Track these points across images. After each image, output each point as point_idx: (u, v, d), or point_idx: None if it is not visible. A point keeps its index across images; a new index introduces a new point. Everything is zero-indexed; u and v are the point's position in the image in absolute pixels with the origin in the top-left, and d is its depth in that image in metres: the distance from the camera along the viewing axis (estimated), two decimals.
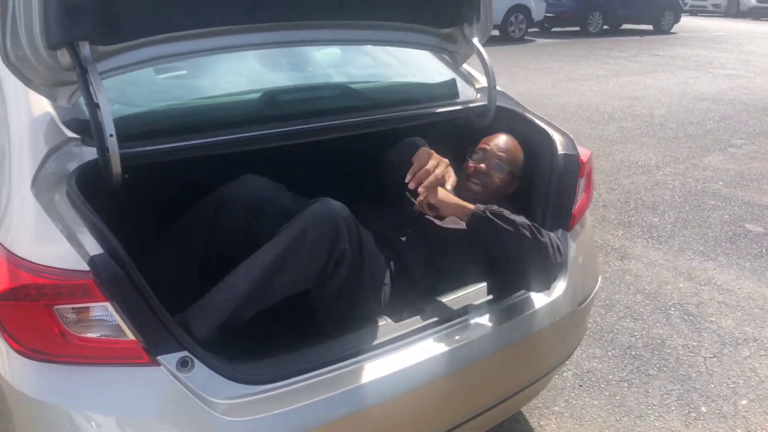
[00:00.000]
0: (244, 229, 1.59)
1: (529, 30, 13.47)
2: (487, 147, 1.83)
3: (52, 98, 1.40)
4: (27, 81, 1.35)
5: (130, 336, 1.14)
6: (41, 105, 1.42)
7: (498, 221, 1.49)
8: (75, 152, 1.34)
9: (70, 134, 1.37)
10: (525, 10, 13.04)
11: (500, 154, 1.82)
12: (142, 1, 1.38)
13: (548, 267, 1.54)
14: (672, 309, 2.92)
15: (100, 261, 1.10)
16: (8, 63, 1.30)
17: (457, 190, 1.69)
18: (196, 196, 1.61)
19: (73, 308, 1.12)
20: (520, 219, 1.53)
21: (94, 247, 1.13)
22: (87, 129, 1.36)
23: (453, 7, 1.83)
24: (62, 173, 1.28)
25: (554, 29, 14.88)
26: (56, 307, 1.10)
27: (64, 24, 1.26)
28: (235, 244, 1.56)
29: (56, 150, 1.32)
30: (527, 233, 1.50)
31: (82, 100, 1.39)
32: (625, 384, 2.39)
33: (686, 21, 17.66)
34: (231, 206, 1.59)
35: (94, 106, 1.27)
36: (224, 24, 1.51)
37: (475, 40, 1.89)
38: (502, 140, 1.85)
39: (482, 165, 1.80)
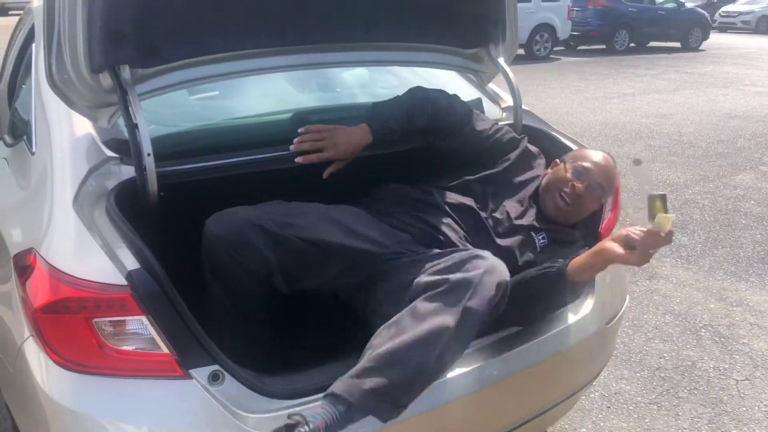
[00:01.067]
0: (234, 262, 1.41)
1: (555, 48, 13.48)
2: (591, 167, 1.67)
3: (94, 119, 1.46)
4: (70, 103, 1.41)
5: (164, 349, 1.17)
6: (82, 126, 1.48)
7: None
8: (114, 171, 1.40)
9: (110, 153, 1.42)
10: (550, 28, 13.06)
11: (601, 181, 1.66)
12: (177, 26, 1.44)
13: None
14: (702, 330, 2.87)
15: (136, 276, 1.14)
16: (53, 86, 1.36)
17: (540, 196, 1.71)
18: None
19: (110, 321, 1.16)
20: None
21: (131, 262, 1.17)
22: (125, 148, 1.42)
23: (479, 28, 1.86)
24: (102, 191, 1.33)
25: (580, 47, 14.85)
26: (95, 319, 1.14)
27: (107, 48, 1.32)
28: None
29: (96, 168, 1.37)
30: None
31: (121, 121, 1.45)
32: (655, 406, 2.35)
33: (715, 38, 17.48)
34: (211, 244, 1.41)
35: (132, 127, 1.32)
36: (255, 47, 1.57)
37: (501, 60, 1.91)
38: (605, 162, 1.70)
39: (580, 185, 1.64)
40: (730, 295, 3.20)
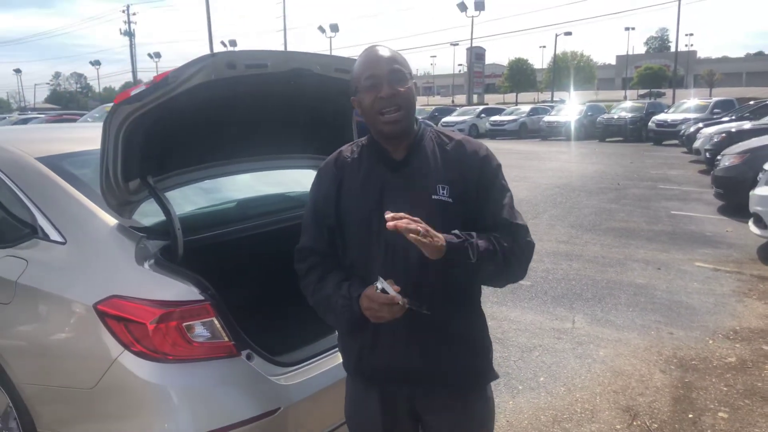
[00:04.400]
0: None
1: None
2: (370, 69, 1.51)
3: (121, 213, 2.13)
4: (108, 203, 2.08)
5: (226, 339, 1.91)
6: (110, 219, 2.13)
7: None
8: (145, 243, 2.09)
9: (140, 234, 2.11)
10: None
11: (395, 66, 1.51)
12: (174, 151, 2.24)
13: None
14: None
15: (208, 292, 1.89)
16: (102, 192, 2.04)
17: (373, 133, 1.57)
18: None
19: (193, 324, 1.86)
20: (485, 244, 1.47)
21: (198, 287, 1.90)
22: (145, 230, 2.13)
23: (339, 143, 2.93)
24: (147, 254, 2.02)
25: None
26: (185, 323, 1.85)
27: (142, 165, 2.09)
28: None
29: (138, 243, 2.05)
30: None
31: (136, 215, 2.17)
32: None
33: None
34: None
35: (167, 211, 2.07)
36: (216, 161, 2.44)
37: None
38: (370, 53, 1.55)
39: (387, 88, 1.48)
40: (498, 315, 4.60)
